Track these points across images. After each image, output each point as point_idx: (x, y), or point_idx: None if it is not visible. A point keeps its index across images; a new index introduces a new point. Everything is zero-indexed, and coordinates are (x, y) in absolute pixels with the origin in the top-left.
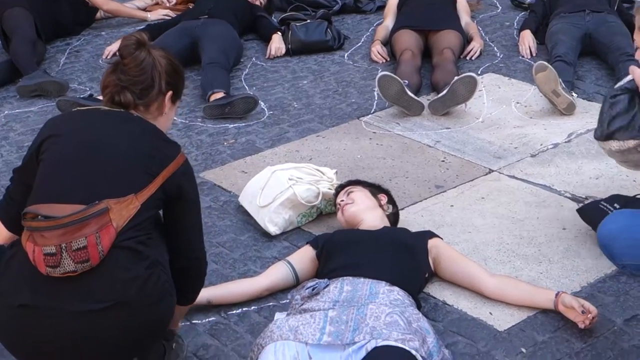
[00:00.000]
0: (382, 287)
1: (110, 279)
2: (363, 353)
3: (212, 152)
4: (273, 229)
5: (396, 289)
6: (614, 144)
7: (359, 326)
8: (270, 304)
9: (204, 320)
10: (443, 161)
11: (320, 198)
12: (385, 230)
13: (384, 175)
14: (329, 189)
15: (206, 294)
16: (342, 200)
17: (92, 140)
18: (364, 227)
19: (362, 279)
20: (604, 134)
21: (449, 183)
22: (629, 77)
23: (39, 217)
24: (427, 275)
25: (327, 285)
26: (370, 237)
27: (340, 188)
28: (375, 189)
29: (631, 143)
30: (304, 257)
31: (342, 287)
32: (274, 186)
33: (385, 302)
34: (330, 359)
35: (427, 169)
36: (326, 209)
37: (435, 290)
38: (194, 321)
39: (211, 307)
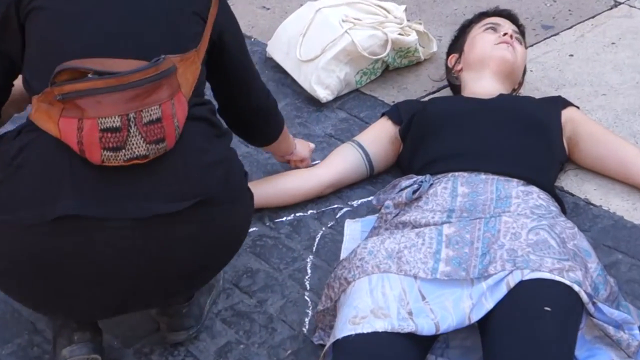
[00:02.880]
0: (515, 187)
1: (190, 166)
2: (503, 290)
3: None
4: (323, 94)
5: (535, 189)
6: None
7: (491, 249)
8: (335, 205)
9: None
10: None
11: (389, 48)
12: (504, 99)
13: (466, 12)
14: (400, 34)
15: None
16: (508, 36)
17: None
18: (477, 91)
19: (482, 175)
20: None
21: (560, 22)
22: None
23: (89, 74)
24: (562, 164)
25: (432, 185)
26: (486, 110)
27: (497, 15)
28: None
29: None
30: (379, 135)
31: (455, 188)
32: (322, 31)
33: (524, 210)
34: (451, 298)
35: (527, 3)
36: (395, 63)
37: (572, 183)
38: None
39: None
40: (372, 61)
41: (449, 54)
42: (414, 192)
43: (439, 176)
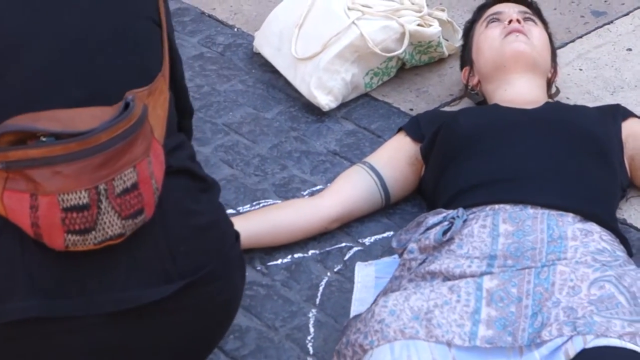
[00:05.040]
0: (571, 224)
1: (175, 237)
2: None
3: None
4: (325, 100)
5: (595, 227)
6: None
7: (544, 307)
8: (343, 244)
9: None
10: None
11: (406, 42)
12: (551, 108)
13: None
14: (419, 25)
15: None
16: (514, 22)
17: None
18: (511, 99)
19: (529, 210)
20: None
21: (614, 6)
22: None
23: (41, 137)
24: (624, 190)
25: (466, 222)
26: (531, 124)
27: (497, 1)
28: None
29: None
30: (396, 155)
31: (495, 226)
32: (323, 21)
33: (584, 257)
34: None
35: None
36: (413, 61)
37: (637, 214)
38: None
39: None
40: (385, 59)
41: (461, 67)
42: (445, 232)
43: (474, 210)
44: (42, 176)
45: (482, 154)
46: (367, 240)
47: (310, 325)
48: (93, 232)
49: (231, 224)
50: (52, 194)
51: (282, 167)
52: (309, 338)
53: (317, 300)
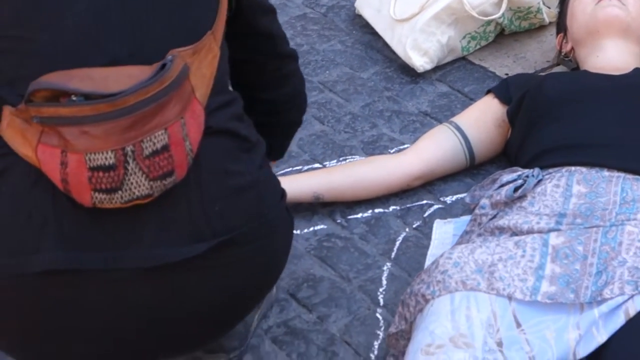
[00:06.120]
0: None
1: (209, 197)
2: (620, 319)
3: None
4: (420, 61)
5: None
6: None
7: (609, 266)
8: (424, 202)
9: (306, 231)
10: None
11: (504, 7)
12: (639, 74)
13: None
14: None
15: (311, 182)
16: None
17: None
18: (602, 65)
19: (605, 172)
20: None
21: None
22: None
23: (72, 97)
24: None
25: (540, 181)
26: (617, 90)
27: None
28: None
29: None
30: (483, 117)
31: (569, 187)
32: None
33: None
34: (554, 327)
35: None
36: (512, 26)
37: None
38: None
39: (319, 207)
40: (483, 23)
41: (557, 34)
42: (516, 189)
43: (550, 170)
44: (72, 134)
45: (564, 118)
46: (449, 199)
47: (384, 278)
48: (119, 192)
49: (275, 183)
50: (80, 153)
51: (372, 125)
52: (380, 290)
53: (393, 255)
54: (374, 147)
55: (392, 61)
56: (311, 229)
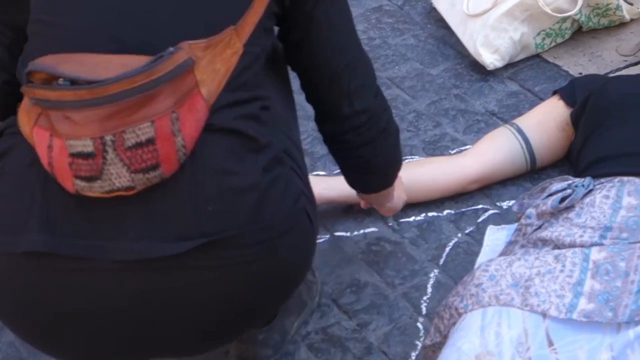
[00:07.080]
0: None
1: (201, 195)
2: None
3: None
4: (490, 58)
5: None
6: None
7: None
8: (480, 206)
9: (355, 234)
10: None
11: (580, 3)
12: None
13: None
14: None
15: None
16: None
17: None
18: None
19: None
20: None
21: None
22: None
23: (60, 80)
24: None
25: (590, 192)
26: None
27: None
28: None
29: None
30: (546, 119)
31: (619, 198)
32: None
33: None
34: (587, 347)
35: None
36: (589, 23)
37: None
38: (336, 233)
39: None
40: (559, 20)
41: None
42: (563, 199)
43: (602, 180)
44: (56, 118)
45: (624, 124)
46: (505, 204)
47: (429, 286)
48: (99, 181)
49: (287, 187)
50: (62, 137)
51: (435, 125)
52: (424, 298)
53: (442, 261)
54: (434, 147)
55: (464, 57)
56: (361, 231)
